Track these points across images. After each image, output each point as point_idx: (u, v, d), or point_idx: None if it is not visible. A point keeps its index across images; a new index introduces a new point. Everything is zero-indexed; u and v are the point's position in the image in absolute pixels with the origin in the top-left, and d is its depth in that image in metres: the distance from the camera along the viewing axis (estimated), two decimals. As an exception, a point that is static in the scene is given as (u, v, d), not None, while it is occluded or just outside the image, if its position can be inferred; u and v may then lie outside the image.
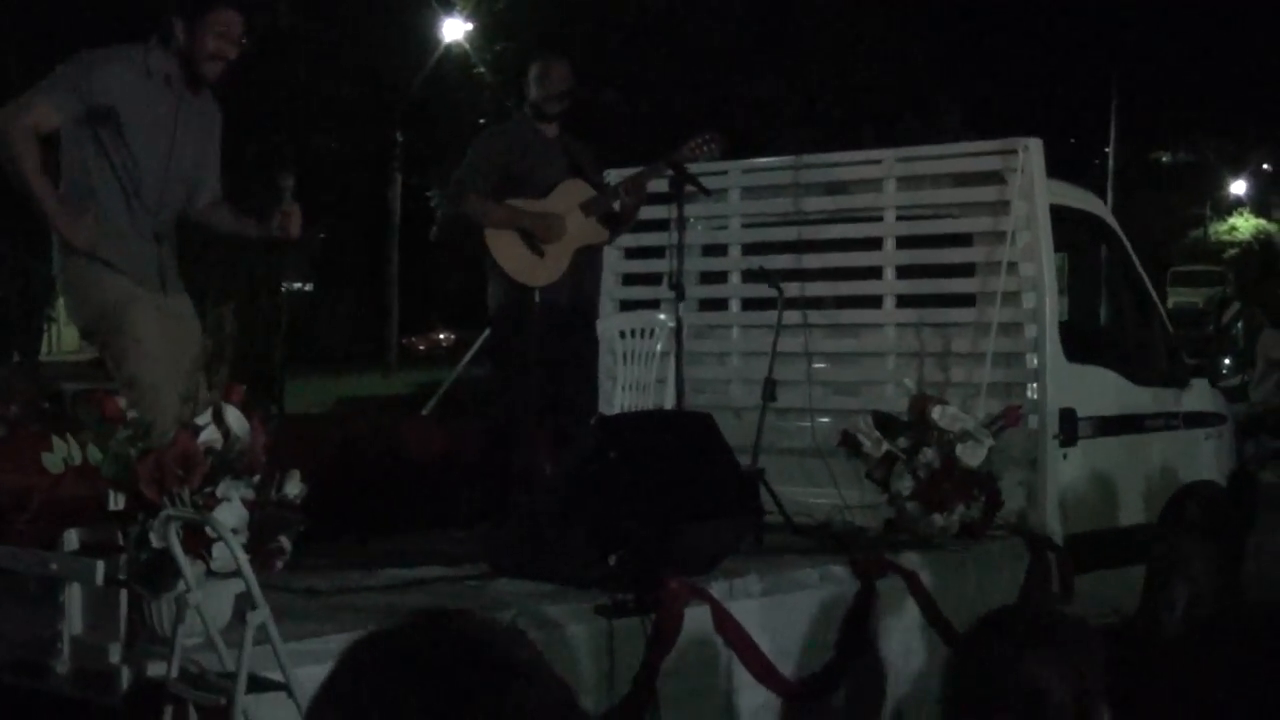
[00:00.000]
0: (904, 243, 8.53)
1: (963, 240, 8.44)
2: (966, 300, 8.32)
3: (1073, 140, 41.80)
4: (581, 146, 7.72)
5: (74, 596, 4.84)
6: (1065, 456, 8.03)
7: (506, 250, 7.35)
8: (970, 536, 7.19)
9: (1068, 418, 8.04)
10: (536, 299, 7.35)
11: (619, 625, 5.53)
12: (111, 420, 4.93)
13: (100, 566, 4.74)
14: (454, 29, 30.45)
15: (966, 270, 8.39)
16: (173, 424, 5.29)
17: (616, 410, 8.48)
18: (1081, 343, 8.43)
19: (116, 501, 4.76)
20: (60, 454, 4.82)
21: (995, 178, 8.22)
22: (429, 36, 29.99)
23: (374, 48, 25.41)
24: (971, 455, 7.13)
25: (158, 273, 6.06)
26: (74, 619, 4.84)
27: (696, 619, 5.69)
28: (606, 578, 5.73)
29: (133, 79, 5.97)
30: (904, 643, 6.58)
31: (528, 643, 2.00)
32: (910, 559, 6.78)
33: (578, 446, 6.59)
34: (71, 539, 4.89)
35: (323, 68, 23.97)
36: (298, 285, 40.80)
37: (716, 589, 5.90)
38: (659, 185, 7.74)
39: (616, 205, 7.62)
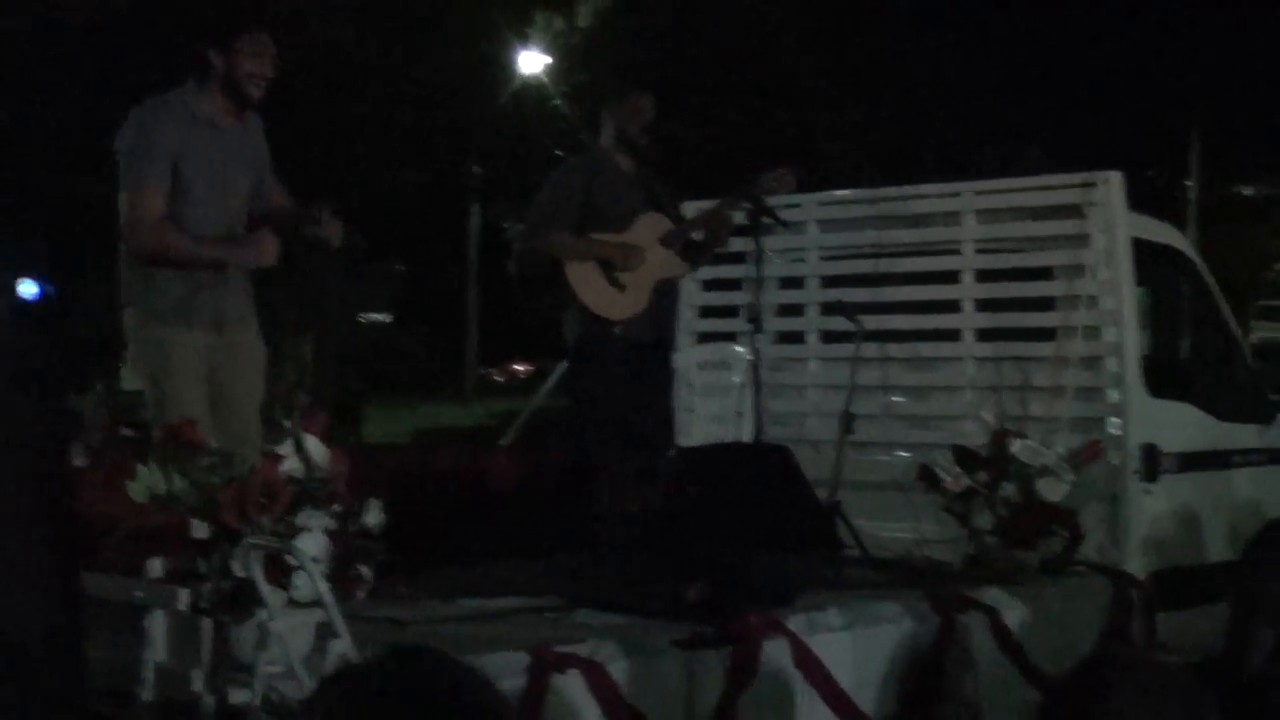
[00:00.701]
0: (982, 276, 8.49)
1: (1042, 274, 8.40)
2: (1046, 334, 8.27)
3: (1153, 173, 41.49)
4: (658, 178, 7.72)
5: (158, 624, 4.88)
6: (1147, 492, 7.96)
7: (586, 283, 7.35)
8: (1051, 572, 7.14)
9: (1149, 453, 7.96)
10: (616, 332, 7.34)
11: (697, 658, 5.51)
12: (193, 449, 4.98)
13: (184, 594, 4.79)
14: (531, 62, 30.62)
15: (1046, 304, 8.33)
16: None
17: (695, 443, 8.48)
18: (1163, 378, 8.35)
19: (199, 530, 4.81)
20: (144, 482, 4.87)
21: (1075, 211, 8.17)
22: (506, 69, 30.16)
23: (452, 81, 25.58)
24: (1052, 490, 7.09)
25: (212, 314, 6.11)
26: (158, 646, 4.88)
27: (775, 653, 5.67)
28: (685, 611, 5.72)
29: (183, 129, 6.06)
30: (984, 678, 6.52)
31: (494, 689, 2.04)
32: (991, 594, 6.73)
33: (656, 479, 6.59)
34: (155, 567, 4.93)
35: (401, 101, 24.16)
36: (376, 316, 41.07)
37: (795, 623, 5.88)
38: (736, 217, 7.74)
39: (697, 236, 7.61)
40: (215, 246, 6.02)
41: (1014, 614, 6.67)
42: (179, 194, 6.02)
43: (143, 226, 5.97)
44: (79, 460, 7.28)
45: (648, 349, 7.52)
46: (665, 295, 7.64)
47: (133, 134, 6.06)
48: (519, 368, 43.85)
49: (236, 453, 5.78)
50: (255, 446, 6.02)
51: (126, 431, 7.20)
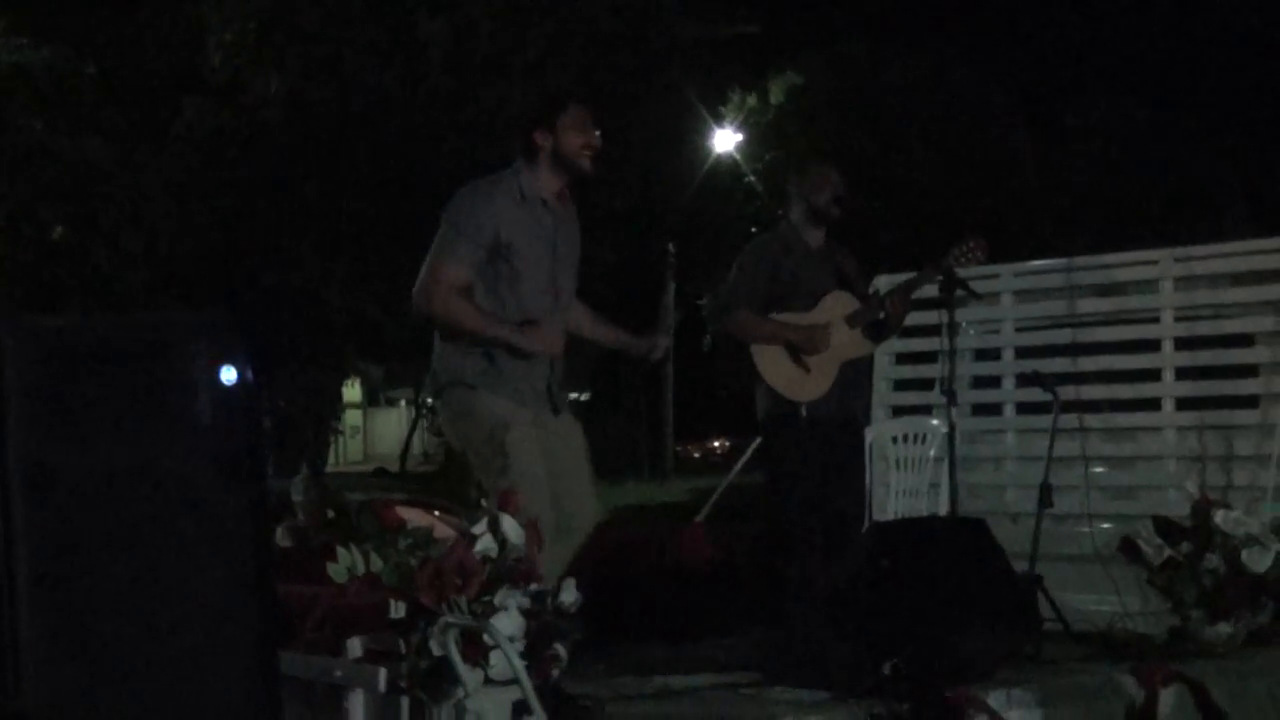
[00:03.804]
0: (1182, 344, 8.38)
1: (1244, 341, 8.26)
2: (1249, 402, 8.13)
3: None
4: (846, 254, 7.71)
5: (357, 703, 4.97)
6: (1355, 561, 7.74)
7: (772, 366, 7.37)
8: (1259, 645, 6.97)
9: (1357, 521, 7.76)
10: (803, 413, 7.34)
11: (894, 735, 5.48)
12: (392, 530, 5.07)
13: (383, 674, 4.87)
14: (725, 140, 30.85)
15: (1249, 371, 8.19)
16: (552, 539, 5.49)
17: (890, 517, 8.44)
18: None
19: (398, 609, 4.89)
20: (344, 563, 4.97)
21: (1277, 276, 8.04)
22: (700, 148, 30.40)
23: (646, 160, 25.84)
24: (1258, 561, 6.92)
25: (547, 393, 6.09)
26: (357, 725, 4.97)
27: (973, 729, 5.61)
28: (881, 687, 5.68)
29: (513, 208, 6.01)
30: (1191, 756, 6.38)
31: None
32: (1196, 668, 6.58)
33: (850, 554, 6.56)
34: (355, 646, 5.02)
35: (597, 181, 24.49)
36: (574, 395, 41.44)
37: (994, 698, 5.81)
38: (929, 290, 7.70)
39: (881, 314, 7.59)
40: (498, 325, 5.96)
41: (1220, 688, 6.52)
42: (507, 267, 5.99)
43: (434, 289, 5.93)
44: (284, 542, 7.42)
45: (837, 427, 7.50)
46: (853, 372, 7.61)
47: (459, 205, 6.06)
48: (716, 444, 43.87)
49: (568, 535, 5.89)
50: (586, 530, 6.08)
51: (330, 513, 7.31)
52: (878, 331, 7.63)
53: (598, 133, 6.14)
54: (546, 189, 6.12)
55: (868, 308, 7.53)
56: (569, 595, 5.16)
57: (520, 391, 5.98)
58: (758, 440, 8.21)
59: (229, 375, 4.01)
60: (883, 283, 8.21)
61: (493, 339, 5.94)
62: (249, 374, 4.02)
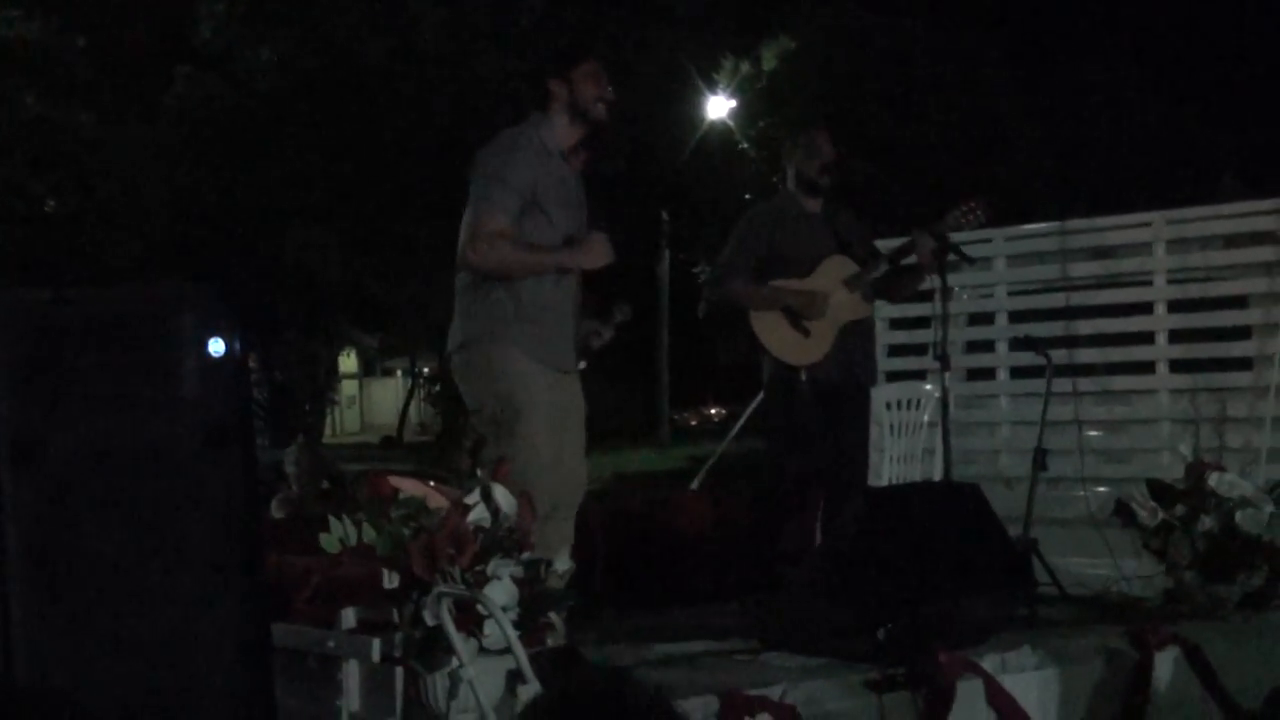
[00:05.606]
0: (1175, 306, 8.37)
1: (1237, 303, 8.26)
2: (1243, 364, 8.13)
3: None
4: (848, 217, 7.69)
5: (352, 673, 4.97)
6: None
7: (771, 331, 7.37)
8: (1253, 607, 6.96)
9: (1350, 482, 7.76)
10: (803, 377, 7.34)
11: (889, 700, 5.47)
12: (385, 500, 5.06)
13: (376, 644, 4.87)
14: (718, 107, 30.76)
15: (1242, 333, 8.19)
16: (551, 507, 5.55)
17: (884, 482, 8.43)
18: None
19: (391, 580, 4.88)
20: (337, 534, 4.95)
21: (1270, 238, 8.03)
22: (693, 115, 30.32)
23: (640, 128, 25.76)
24: (1252, 523, 6.92)
25: (563, 353, 6.11)
26: (352, 696, 4.96)
27: (969, 693, 5.60)
28: (876, 651, 5.68)
29: (539, 160, 6.04)
30: (1185, 716, 6.38)
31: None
32: (1191, 630, 6.58)
33: (846, 519, 6.56)
34: (348, 617, 5.02)
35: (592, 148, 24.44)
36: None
37: (989, 662, 5.81)
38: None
39: (909, 261, 7.54)
40: (550, 253, 5.99)
41: (1215, 650, 6.53)
42: (543, 217, 6.01)
43: (478, 242, 5.94)
44: (278, 513, 7.42)
45: (838, 391, 7.48)
46: (855, 336, 7.59)
47: (489, 158, 6.06)
48: (712, 411, 43.88)
49: (566, 499, 5.93)
50: (581, 493, 6.13)
51: (325, 484, 7.31)
52: (906, 281, 7.60)
53: (610, 88, 6.19)
54: (564, 141, 6.16)
55: (866, 270, 7.52)
56: (563, 563, 5.16)
57: (545, 347, 6.00)
58: (757, 400, 8.20)
59: (217, 347, 3.99)
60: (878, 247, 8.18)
61: (550, 266, 5.98)
62: (237, 346, 4.00)
